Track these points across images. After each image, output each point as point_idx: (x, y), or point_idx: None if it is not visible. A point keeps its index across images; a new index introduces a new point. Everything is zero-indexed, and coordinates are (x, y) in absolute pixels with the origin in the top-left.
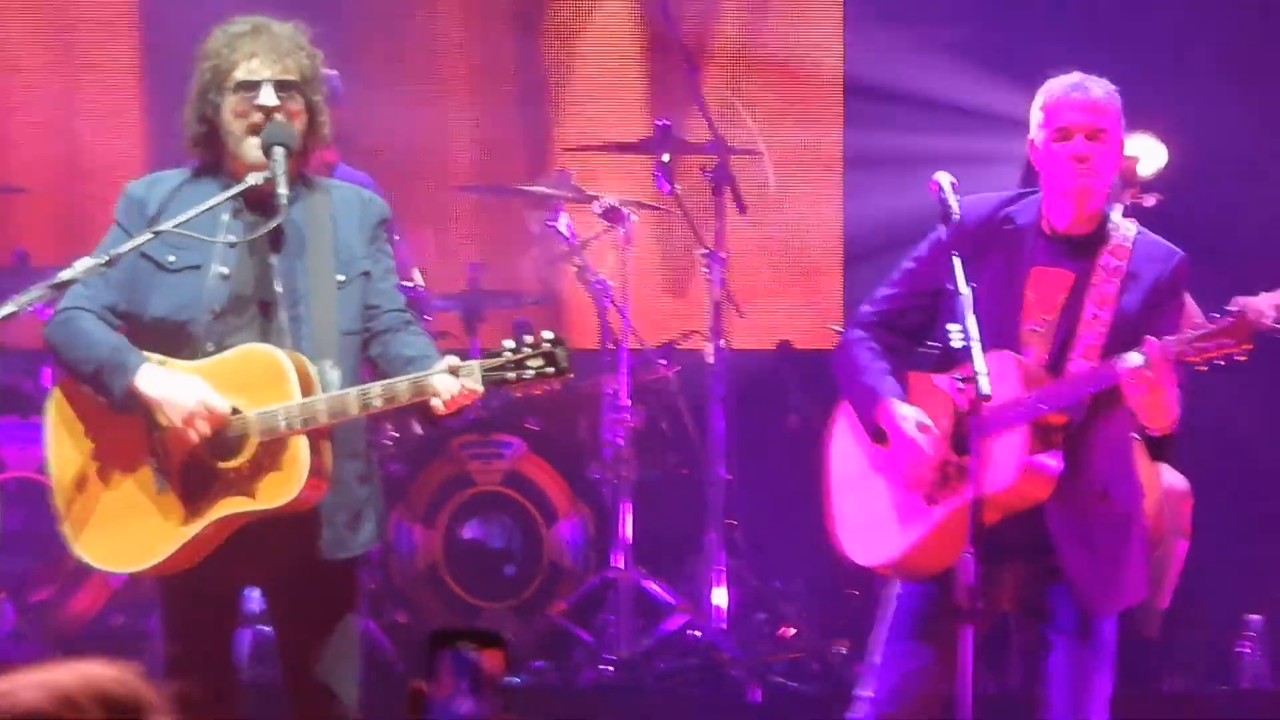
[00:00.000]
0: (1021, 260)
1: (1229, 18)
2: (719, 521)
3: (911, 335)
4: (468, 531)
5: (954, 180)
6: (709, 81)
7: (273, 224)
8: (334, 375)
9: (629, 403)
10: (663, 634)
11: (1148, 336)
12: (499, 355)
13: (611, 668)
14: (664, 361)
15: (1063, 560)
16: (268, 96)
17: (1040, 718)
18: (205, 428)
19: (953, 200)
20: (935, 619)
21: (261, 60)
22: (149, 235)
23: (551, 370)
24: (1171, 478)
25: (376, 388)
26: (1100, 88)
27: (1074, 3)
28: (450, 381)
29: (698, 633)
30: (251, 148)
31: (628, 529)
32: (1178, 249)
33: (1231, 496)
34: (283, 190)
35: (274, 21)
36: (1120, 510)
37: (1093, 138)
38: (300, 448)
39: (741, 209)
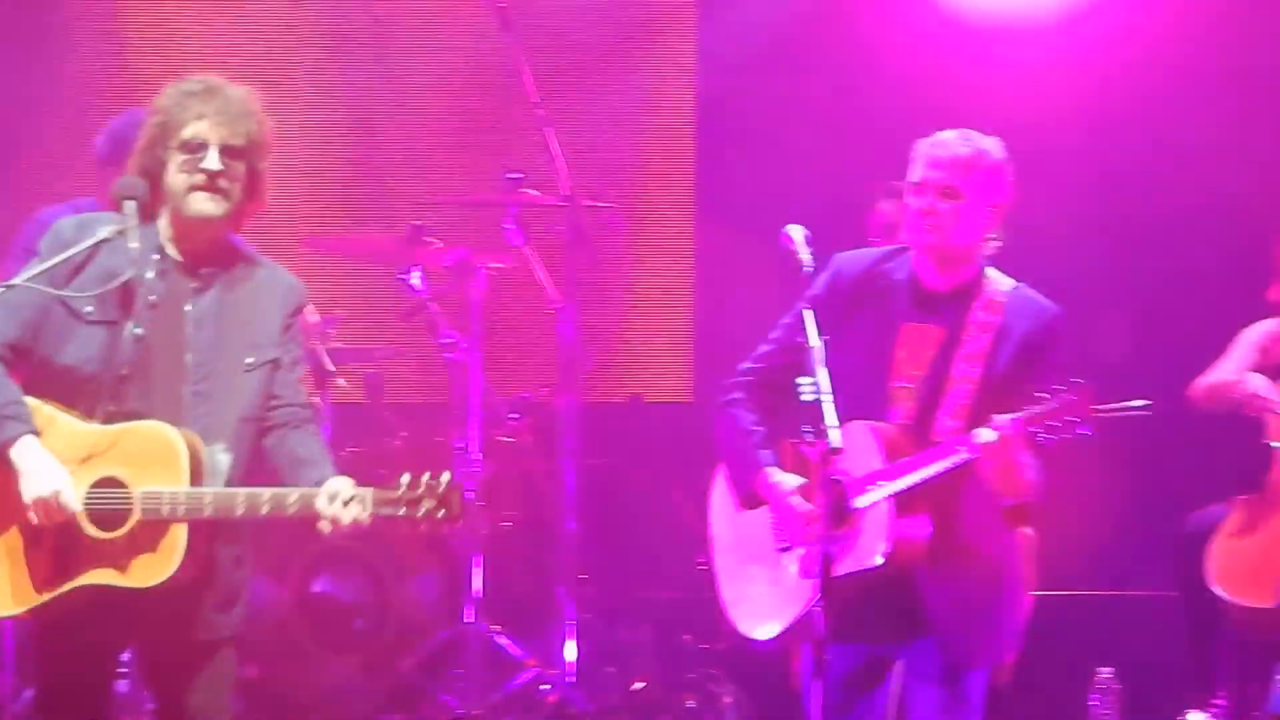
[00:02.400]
0: (892, 316)
1: None
2: (569, 575)
3: (791, 391)
4: (319, 585)
5: (808, 233)
6: (561, 134)
7: (118, 282)
8: (224, 459)
9: (480, 456)
10: (513, 688)
11: (994, 416)
12: (394, 489)
13: None
14: (515, 415)
15: (931, 616)
16: (212, 160)
17: None
18: (42, 519)
19: (804, 254)
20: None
21: (210, 123)
22: (57, 292)
23: (441, 515)
24: None
25: (266, 495)
26: (966, 145)
27: (921, 60)
28: (339, 510)
29: (548, 686)
30: (194, 203)
31: (478, 583)
32: (1052, 305)
33: (1081, 548)
34: (134, 244)
35: (228, 85)
36: (992, 566)
37: (946, 195)
38: (179, 535)
39: (593, 262)
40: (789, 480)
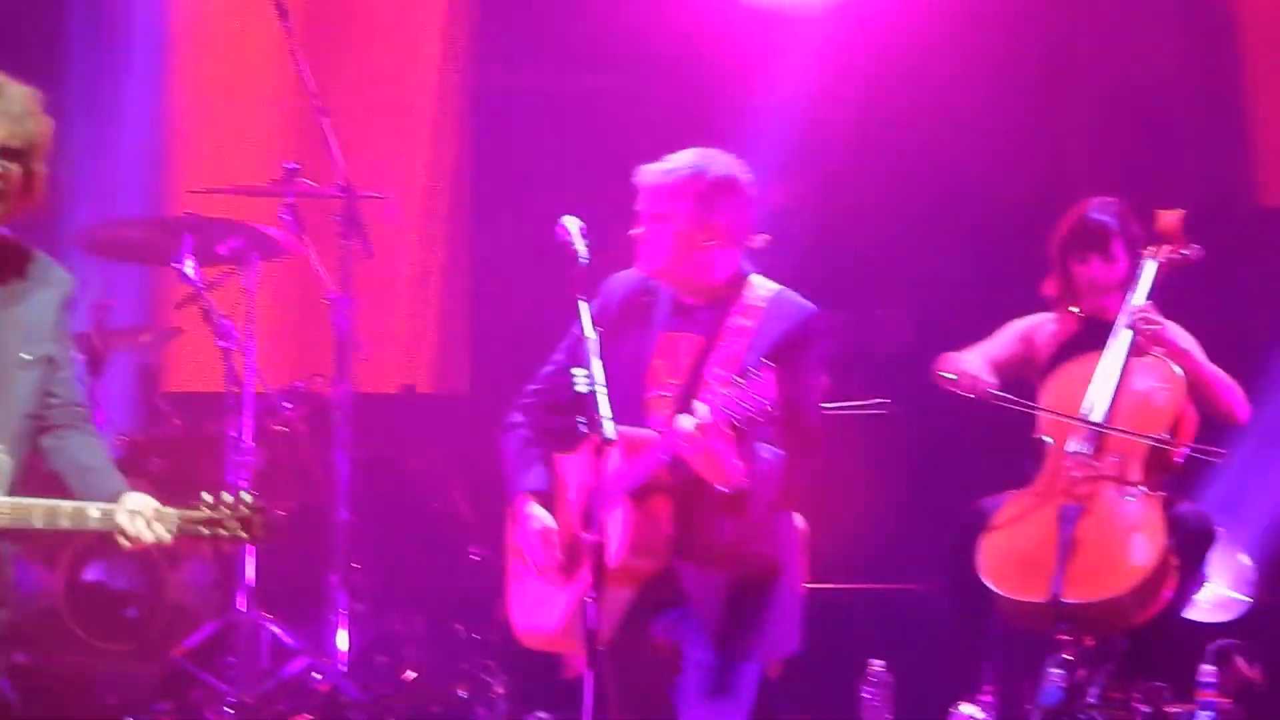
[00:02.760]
0: (652, 328)
1: None
2: (342, 564)
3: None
4: (90, 573)
5: (583, 225)
6: (338, 124)
7: None
8: (4, 461)
9: (252, 445)
10: (285, 676)
11: (695, 404)
12: (197, 510)
13: (232, 710)
14: (288, 404)
15: (696, 612)
16: None
17: None
18: None
19: (579, 245)
20: None
21: None
22: None
23: (244, 537)
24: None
25: (67, 509)
26: (662, 172)
27: (698, 52)
28: (142, 528)
29: (319, 675)
30: None
31: (250, 571)
32: (809, 305)
33: (854, 541)
34: None
35: (9, 84)
36: (757, 560)
37: (656, 220)
38: None
39: (368, 253)
40: (538, 516)
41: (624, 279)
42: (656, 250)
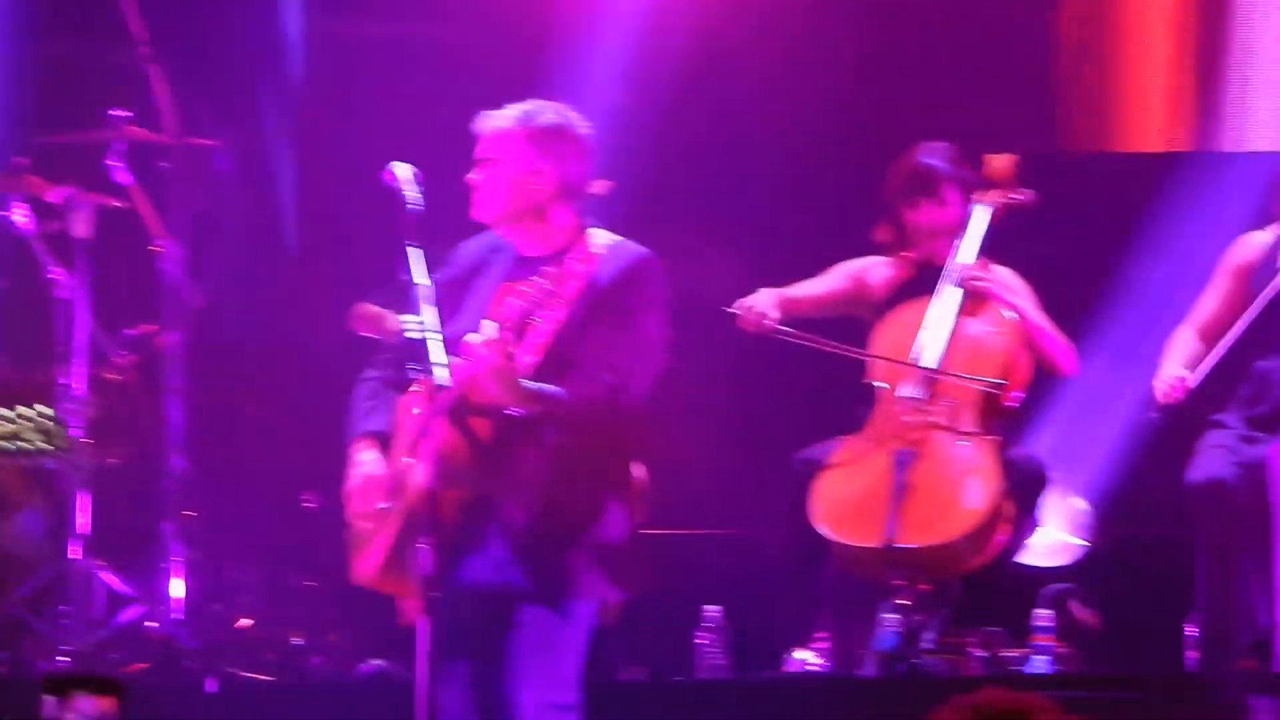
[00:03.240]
0: (493, 280)
1: None
2: (176, 512)
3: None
4: None
5: (416, 170)
6: (170, 71)
7: None
8: None
9: (86, 393)
10: (119, 625)
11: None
12: None
13: (67, 658)
14: (122, 352)
15: (515, 551)
16: None
17: (505, 684)
18: None
19: (411, 191)
20: None
21: None
22: None
23: (46, 448)
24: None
25: None
26: (497, 117)
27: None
28: None
29: (154, 624)
30: None
31: (84, 519)
32: (643, 249)
33: (689, 486)
34: None
35: None
36: (585, 503)
37: (482, 165)
38: None
39: (202, 204)
40: (363, 461)
41: (472, 241)
42: (491, 196)
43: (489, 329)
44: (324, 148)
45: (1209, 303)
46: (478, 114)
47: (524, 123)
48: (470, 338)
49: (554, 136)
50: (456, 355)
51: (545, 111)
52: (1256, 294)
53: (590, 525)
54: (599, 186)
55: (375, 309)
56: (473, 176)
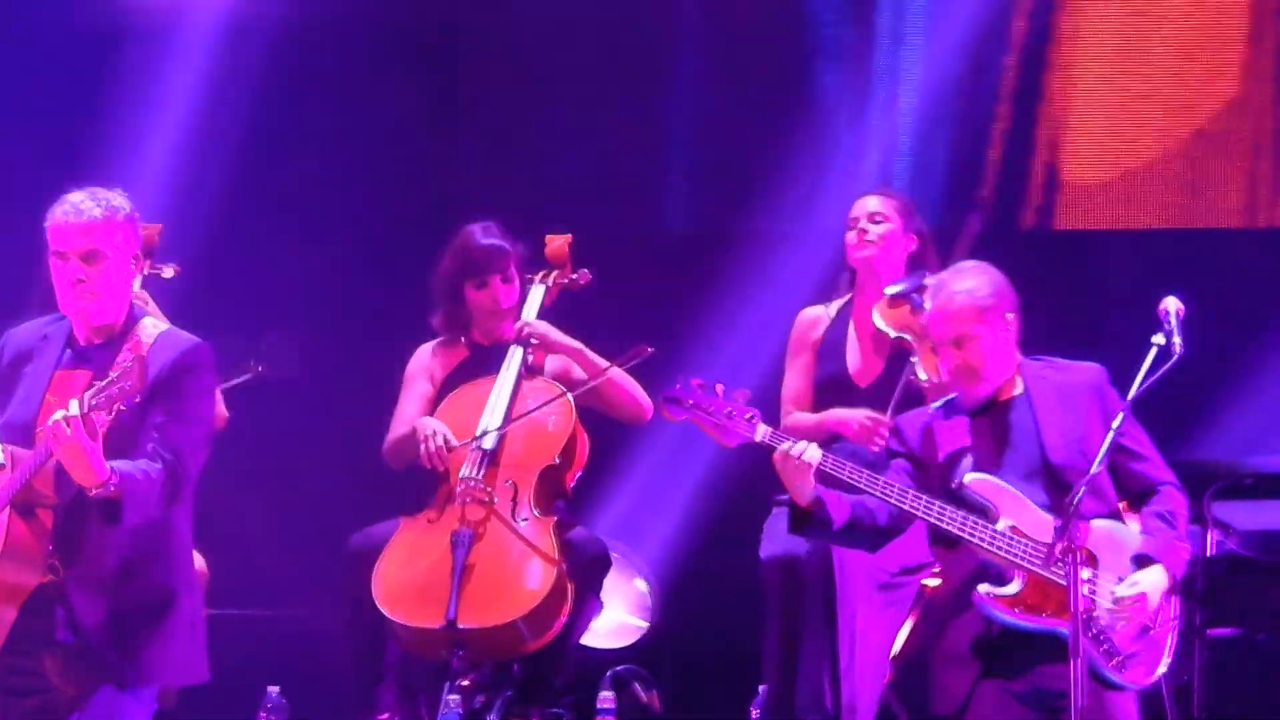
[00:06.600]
0: (48, 367)
1: None
2: None
3: None
4: None
5: None
6: None
7: None
8: None
9: None
10: None
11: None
12: None
13: None
14: None
15: (83, 635)
16: None
17: None
18: None
19: None
20: None
21: None
22: None
23: None
24: None
25: None
26: (99, 207)
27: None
28: None
29: None
30: None
31: None
32: (192, 338)
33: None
34: None
35: None
36: (152, 588)
37: (88, 260)
38: None
39: None
40: None
41: (22, 328)
42: (95, 290)
43: (71, 407)
44: None
45: (793, 380)
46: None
47: (118, 210)
48: (54, 416)
49: (132, 224)
50: (12, 443)
51: (114, 199)
52: (827, 364)
53: (156, 610)
54: (169, 271)
55: None
56: (68, 270)
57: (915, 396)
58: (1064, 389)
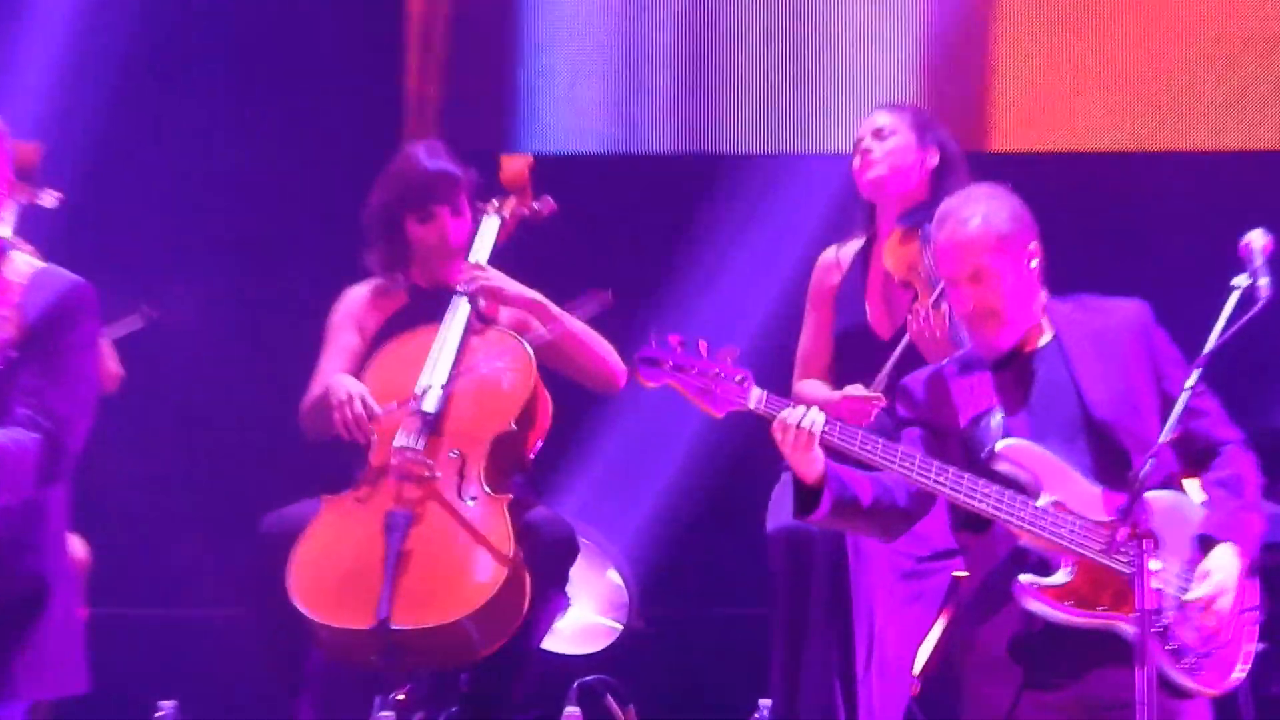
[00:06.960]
0: None
1: None
2: None
3: None
4: None
5: None
6: None
7: None
8: None
9: None
10: None
11: None
12: None
13: None
14: None
15: None
16: None
17: None
18: None
19: None
20: None
21: None
22: None
23: None
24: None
25: None
26: None
27: None
28: None
29: None
30: None
31: None
32: (76, 278)
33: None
34: None
35: None
36: (18, 583)
37: None
38: None
39: None
40: None
41: None
42: None
43: None
44: None
45: (806, 338)
46: None
47: None
48: None
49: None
50: None
51: None
52: (844, 316)
53: (24, 610)
54: (50, 199)
55: None
56: None
57: (919, 357)
58: (1101, 333)
